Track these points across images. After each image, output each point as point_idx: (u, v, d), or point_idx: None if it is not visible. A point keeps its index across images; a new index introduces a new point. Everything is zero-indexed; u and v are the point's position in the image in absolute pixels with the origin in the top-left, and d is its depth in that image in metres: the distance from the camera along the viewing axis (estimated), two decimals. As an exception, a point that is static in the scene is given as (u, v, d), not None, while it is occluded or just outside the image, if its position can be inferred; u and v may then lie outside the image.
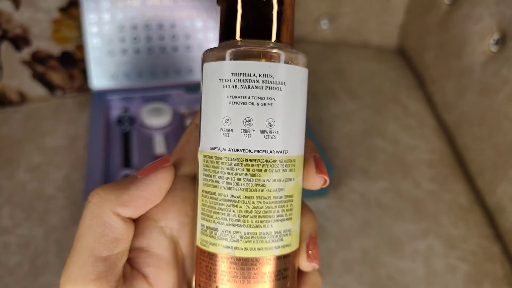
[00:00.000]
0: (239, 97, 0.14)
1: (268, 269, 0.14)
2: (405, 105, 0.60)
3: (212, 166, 0.15)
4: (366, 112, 0.58)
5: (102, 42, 0.50)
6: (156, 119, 0.49)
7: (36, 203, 0.43)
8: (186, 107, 0.53)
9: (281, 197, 0.15)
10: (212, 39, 0.53)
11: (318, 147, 0.46)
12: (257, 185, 0.14)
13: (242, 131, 0.14)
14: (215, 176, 0.15)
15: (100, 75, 0.50)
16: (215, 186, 0.15)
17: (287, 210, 0.15)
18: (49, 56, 0.53)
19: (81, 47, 0.53)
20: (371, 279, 0.39)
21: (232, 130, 0.14)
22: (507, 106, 0.42)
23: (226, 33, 0.14)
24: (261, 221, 0.14)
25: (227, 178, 0.14)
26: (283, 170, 0.15)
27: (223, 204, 0.14)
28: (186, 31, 0.52)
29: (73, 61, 0.54)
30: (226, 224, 0.14)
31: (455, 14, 0.54)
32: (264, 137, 0.14)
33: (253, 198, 0.14)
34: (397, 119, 0.57)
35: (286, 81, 0.14)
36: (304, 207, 0.17)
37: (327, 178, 0.16)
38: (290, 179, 0.15)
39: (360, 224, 0.43)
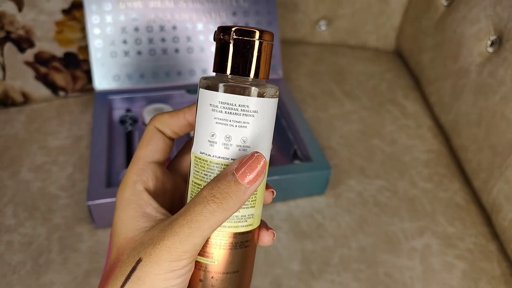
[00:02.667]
0: (222, 119, 0.19)
1: (234, 240, 0.20)
2: (402, 105, 0.61)
3: (200, 165, 0.20)
4: (364, 113, 0.59)
5: (104, 44, 0.50)
6: (157, 119, 0.50)
7: (39, 202, 0.43)
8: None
9: None
10: (212, 40, 0.53)
11: (317, 146, 0.46)
12: None
13: (223, 144, 0.19)
14: (201, 172, 0.20)
15: (103, 76, 0.51)
16: (201, 180, 0.20)
17: (252, 201, 0.21)
18: (52, 57, 0.53)
19: (83, 48, 0.54)
20: (368, 276, 0.39)
21: (216, 143, 0.19)
22: (504, 107, 0.43)
23: (219, 67, 0.20)
24: None
25: (210, 176, 0.20)
26: None
27: None
28: (187, 33, 0.53)
29: (76, 62, 0.55)
30: None
31: (451, 16, 0.55)
32: (239, 150, 0.19)
33: None
34: (395, 120, 0.58)
35: (258, 110, 0.19)
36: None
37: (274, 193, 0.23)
38: None
39: (357, 223, 0.44)
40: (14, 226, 0.41)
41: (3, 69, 0.52)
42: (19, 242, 0.40)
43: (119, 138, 0.49)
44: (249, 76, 0.19)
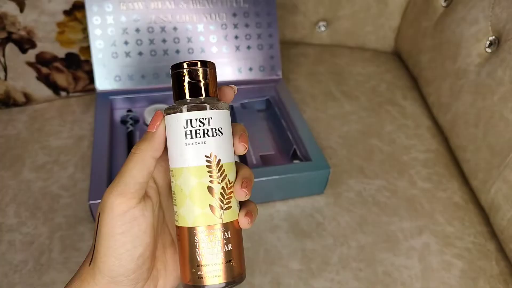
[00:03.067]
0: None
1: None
2: (401, 106, 0.61)
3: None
4: (363, 113, 0.59)
5: (105, 45, 0.51)
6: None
7: (40, 202, 0.44)
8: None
9: None
10: (212, 41, 0.54)
11: (316, 146, 0.47)
12: None
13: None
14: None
15: (104, 76, 0.51)
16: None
17: (173, 199, 0.24)
18: (54, 58, 0.54)
19: (85, 49, 0.54)
20: (367, 275, 0.39)
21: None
22: (502, 107, 0.43)
23: (178, 95, 0.24)
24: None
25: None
26: None
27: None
28: (187, 34, 0.53)
29: (77, 63, 0.55)
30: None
31: (450, 17, 0.55)
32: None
33: None
34: (393, 120, 0.58)
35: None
36: (242, 166, 0.25)
37: (246, 145, 0.25)
38: None
39: (357, 222, 0.44)
40: (16, 226, 0.41)
41: (5, 69, 0.52)
42: (20, 242, 0.40)
43: (120, 138, 0.49)
44: (201, 96, 0.24)
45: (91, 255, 0.23)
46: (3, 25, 0.50)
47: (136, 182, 0.22)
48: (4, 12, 0.49)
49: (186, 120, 0.22)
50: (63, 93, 0.57)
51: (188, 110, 0.23)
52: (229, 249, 0.23)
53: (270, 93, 0.56)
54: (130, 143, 0.48)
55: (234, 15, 0.54)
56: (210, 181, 0.23)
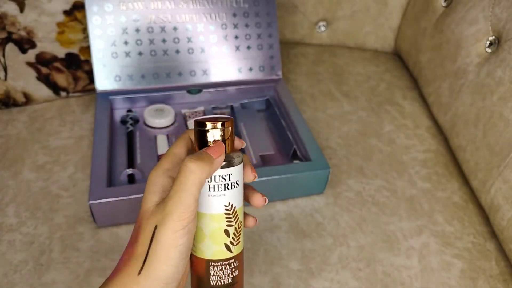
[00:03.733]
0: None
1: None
2: (400, 106, 0.61)
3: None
4: (363, 113, 0.59)
5: (105, 45, 0.51)
6: (158, 119, 0.51)
7: (40, 202, 0.44)
8: (188, 108, 0.54)
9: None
10: (212, 41, 0.54)
11: (316, 146, 0.47)
12: None
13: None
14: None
15: (104, 76, 0.51)
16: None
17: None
18: (54, 58, 0.54)
19: (85, 49, 0.55)
20: (367, 275, 0.39)
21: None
22: (502, 107, 0.43)
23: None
24: None
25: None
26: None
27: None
28: (187, 34, 0.53)
29: (77, 63, 0.55)
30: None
31: (450, 17, 0.55)
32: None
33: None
34: (393, 120, 0.58)
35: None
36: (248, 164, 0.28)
37: (255, 175, 0.28)
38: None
39: (356, 222, 0.44)
40: (16, 226, 0.41)
41: (5, 69, 0.52)
42: (20, 242, 0.40)
43: (120, 138, 0.49)
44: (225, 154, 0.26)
45: (139, 265, 0.24)
46: (3, 25, 0.50)
47: (195, 199, 0.24)
48: (4, 12, 0.49)
49: (210, 177, 0.25)
50: (63, 93, 0.57)
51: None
52: (235, 274, 0.27)
53: (270, 93, 0.56)
54: (130, 143, 0.48)
55: (234, 15, 0.54)
56: (227, 225, 0.26)
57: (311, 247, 0.41)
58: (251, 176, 0.28)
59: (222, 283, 0.27)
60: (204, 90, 0.54)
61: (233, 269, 0.27)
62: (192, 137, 0.28)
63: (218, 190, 0.26)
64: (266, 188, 0.44)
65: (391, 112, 0.59)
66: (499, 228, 0.42)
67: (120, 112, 0.52)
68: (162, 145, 0.49)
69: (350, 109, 0.59)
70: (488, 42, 0.48)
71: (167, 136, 0.50)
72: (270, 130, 0.53)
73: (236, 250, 0.27)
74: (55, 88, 0.56)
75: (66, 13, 0.52)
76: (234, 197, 0.26)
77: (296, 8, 0.69)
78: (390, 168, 0.51)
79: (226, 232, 0.26)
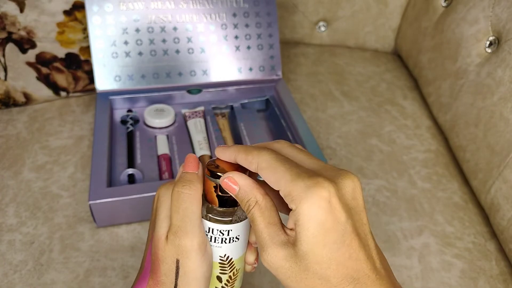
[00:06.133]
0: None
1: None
2: (401, 106, 0.61)
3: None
4: (363, 113, 0.59)
5: (105, 45, 0.51)
6: (158, 119, 0.50)
7: (40, 202, 0.44)
8: (187, 108, 0.54)
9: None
10: (212, 41, 0.54)
11: (316, 146, 0.47)
12: None
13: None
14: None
15: (104, 76, 0.51)
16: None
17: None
18: (54, 57, 0.54)
19: (85, 49, 0.54)
20: (368, 275, 0.39)
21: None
22: (502, 107, 0.43)
23: (209, 199, 0.25)
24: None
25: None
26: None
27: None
28: (187, 34, 0.53)
29: (77, 63, 0.55)
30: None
31: (450, 17, 0.55)
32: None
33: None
34: (393, 120, 0.58)
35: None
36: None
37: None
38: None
39: (357, 222, 0.44)
40: (16, 226, 0.41)
41: (5, 69, 0.52)
42: (20, 241, 0.40)
43: (120, 138, 0.49)
44: (229, 208, 0.25)
45: None
46: (3, 25, 0.50)
47: (199, 218, 0.24)
48: (4, 12, 0.49)
49: (209, 228, 0.25)
50: (63, 93, 0.57)
51: (210, 221, 0.25)
52: None
53: (270, 93, 0.56)
54: (130, 143, 0.48)
55: (234, 15, 0.54)
56: (220, 272, 0.26)
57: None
58: (251, 259, 0.27)
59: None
60: (204, 90, 0.54)
61: None
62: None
63: (215, 241, 0.25)
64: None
65: (391, 112, 0.59)
66: (499, 228, 0.42)
67: (120, 112, 0.52)
68: (162, 145, 0.49)
69: (350, 109, 0.59)
70: (488, 42, 0.48)
71: (167, 136, 0.50)
72: (270, 130, 0.53)
73: None
74: (55, 88, 0.56)
75: (66, 13, 0.52)
76: (232, 249, 0.26)
77: (296, 8, 0.69)
78: (390, 168, 0.51)
79: (219, 278, 0.26)
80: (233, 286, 0.27)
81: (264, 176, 0.22)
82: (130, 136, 0.49)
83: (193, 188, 0.24)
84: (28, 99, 0.55)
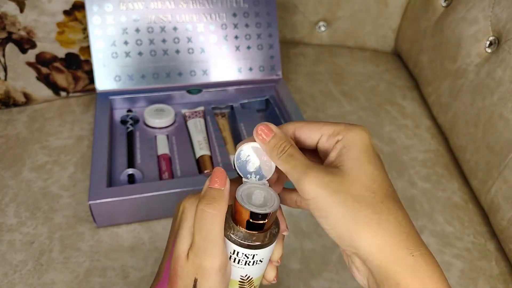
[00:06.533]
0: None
1: None
2: (400, 106, 0.61)
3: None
4: (363, 113, 0.59)
5: (105, 45, 0.51)
6: (158, 119, 0.51)
7: (40, 202, 0.44)
8: (187, 108, 0.54)
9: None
10: (212, 41, 0.54)
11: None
12: None
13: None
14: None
15: (104, 76, 0.51)
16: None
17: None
18: (54, 57, 0.54)
19: (85, 49, 0.55)
20: (367, 275, 0.39)
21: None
22: (502, 107, 0.43)
23: (237, 221, 0.25)
24: None
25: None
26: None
27: None
28: (187, 34, 0.53)
29: (77, 63, 0.55)
30: None
31: (450, 17, 0.55)
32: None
33: None
34: (393, 120, 0.58)
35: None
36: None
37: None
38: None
39: (357, 222, 0.44)
40: (16, 226, 0.41)
41: (5, 69, 0.52)
42: (20, 242, 0.40)
43: (120, 138, 0.49)
44: (256, 232, 0.25)
45: None
46: (3, 25, 0.50)
47: (221, 239, 0.23)
48: (4, 12, 0.49)
49: (234, 250, 0.24)
50: (63, 93, 0.57)
51: (235, 243, 0.24)
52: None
53: (270, 93, 0.56)
54: (130, 143, 0.48)
55: (234, 15, 0.54)
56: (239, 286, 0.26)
57: (311, 247, 0.41)
58: (271, 277, 0.27)
59: None
60: (204, 90, 0.54)
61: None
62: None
63: (238, 263, 0.25)
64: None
65: (391, 112, 0.59)
66: (499, 228, 0.42)
67: (120, 112, 0.52)
68: (162, 145, 0.49)
69: (350, 109, 0.59)
70: (488, 42, 0.48)
71: (167, 136, 0.50)
72: (270, 130, 0.53)
73: None
74: (55, 88, 0.56)
75: (66, 13, 0.52)
76: (254, 271, 0.26)
77: (296, 8, 0.69)
78: (390, 168, 0.51)
79: None
80: None
81: (307, 127, 0.25)
82: (130, 136, 0.49)
83: (217, 207, 0.23)
84: (28, 99, 0.55)
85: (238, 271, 0.25)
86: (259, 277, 0.26)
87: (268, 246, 0.25)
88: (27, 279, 0.37)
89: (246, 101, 0.56)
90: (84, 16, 0.51)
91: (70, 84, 0.56)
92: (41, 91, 0.55)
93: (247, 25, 0.55)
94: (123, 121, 0.51)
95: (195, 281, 0.23)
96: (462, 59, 0.51)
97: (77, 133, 0.52)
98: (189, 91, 0.54)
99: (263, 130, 0.24)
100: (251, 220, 0.24)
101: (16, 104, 0.55)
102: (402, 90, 0.64)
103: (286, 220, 0.27)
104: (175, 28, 0.53)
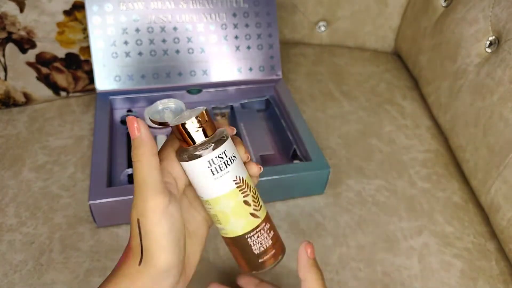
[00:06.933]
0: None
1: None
2: (400, 106, 0.61)
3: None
4: (362, 113, 0.59)
5: (105, 45, 0.51)
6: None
7: (40, 202, 0.44)
8: (187, 108, 0.54)
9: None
10: (212, 41, 0.54)
11: (316, 146, 0.47)
12: None
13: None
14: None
15: (104, 76, 0.51)
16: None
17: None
18: (54, 57, 0.54)
19: (85, 49, 0.55)
20: (367, 275, 0.39)
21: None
22: (502, 107, 0.43)
23: (188, 143, 0.27)
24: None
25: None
26: None
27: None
28: (187, 34, 0.53)
29: (77, 63, 0.55)
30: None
31: (450, 17, 0.55)
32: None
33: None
34: (393, 120, 0.58)
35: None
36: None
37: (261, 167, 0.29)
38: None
39: (356, 222, 0.44)
40: (16, 226, 0.41)
41: (5, 69, 0.52)
42: (20, 242, 0.40)
43: (120, 138, 0.49)
44: (208, 136, 0.26)
45: (138, 256, 0.25)
46: (3, 25, 0.50)
47: (157, 181, 0.24)
48: (4, 12, 0.49)
49: (209, 161, 0.26)
50: (63, 93, 0.57)
51: (204, 155, 0.26)
52: (272, 234, 0.28)
53: (270, 93, 0.56)
54: (130, 143, 0.48)
55: (234, 15, 0.54)
56: (244, 196, 0.27)
57: (311, 247, 0.41)
58: (256, 169, 0.28)
59: (265, 247, 0.28)
60: (204, 90, 0.54)
61: (268, 231, 0.28)
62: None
63: (221, 170, 0.26)
64: (266, 188, 0.44)
65: (391, 112, 0.59)
66: (499, 228, 0.42)
67: (120, 112, 0.52)
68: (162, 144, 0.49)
69: (350, 109, 0.59)
70: (488, 42, 0.48)
71: (167, 136, 0.50)
72: (270, 130, 0.53)
73: (261, 214, 0.28)
74: (55, 88, 0.56)
75: (66, 13, 0.52)
76: (237, 169, 0.27)
77: (296, 8, 0.69)
78: (390, 168, 0.51)
79: (246, 203, 0.27)
80: (261, 205, 0.28)
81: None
82: (130, 136, 0.49)
83: (138, 153, 0.24)
84: (28, 99, 0.55)
85: (228, 178, 0.26)
86: (247, 176, 0.28)
87: (226, 139, 0.26)
88: (27, 279, 0.37)
89: (246, 101, 0.56)
90: (84, 16, 0.51)
91: (70, 84, 0.56)
92: (41, 91, 0.55)
93: (247, 25, 0.55)
94: (123, 121, 0.51)
95: (138, 221, 0.24)
96: (462, 59, 0.51)
97: (77, 133, 0.52)
98: (189, 91, 0.54)
99: (310, 246, 0.29)
100: (190, 132, 0.26)
101: (16, 104, 0.55)
102: (402, 90, 0.64)
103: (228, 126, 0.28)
104: (175, 28, 0.53)
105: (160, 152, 0.27)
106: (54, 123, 0.53)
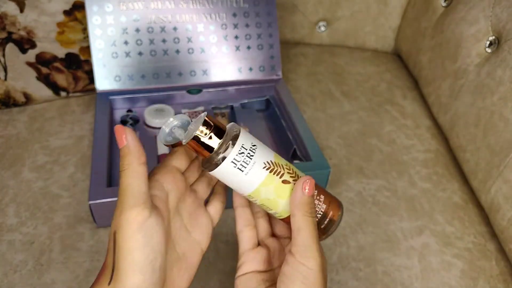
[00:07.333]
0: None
1: None
2: (401, 106, 0.61)
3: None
4: (363, 113, 0.59)
5: (105, 45, 0.51)
6: (158, 119, 0.51)
7: (40, 202, 0.44)
8: (187, 108, 0.54)
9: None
10: (212, 41, 0.54)
11: (316, 146, 0.47)
12: None
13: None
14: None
15: (104, 76, 0.51)
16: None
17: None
18: (54, 57, 0.54)
19: (85, 49, 0.55)
20: (367, 275, 0.39)
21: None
22: (502, 107, 0.43)
23: (209, 151, 0.27)
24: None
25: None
26: None
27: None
28: (187, 34, 0.53)
29: (77, 63, 0.55)
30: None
31: (450, 17, 0.55)
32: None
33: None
34: (393, 120, 0.58)
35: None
36: None
37: None
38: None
39: (356, 222, 0.44)
40: (16, 226, 0.41)
41: (5, 69, 0.52)
42: (20, 242, 0.40)
43: (120, 138, 0.49)
44: (224, 137, 0.26)
45: (109, 274, 0.23)
46: (3, 25, 0.50)
47: (140, 192, 0.23)
48: (4, 12, 0.49)
49: (232, 161, 0.26)
50: (63, 93, 0.57)
51: (227, 155, 0.26)
52: (323, 198, 0.29)
53: (270, 93, 0.56)
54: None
55: (234, 15, 0.54)
56: (280, 177, 0.27)
57: (311, 247, 0.41)
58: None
59: (322, 212, 0.28)
60: (204, 90, 0.54)
61: (317, 197, 0.28)
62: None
63: (247, 164, 0.26)
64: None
65: (391, 112, 0.59)
66: (499, 228, 0.42)
67: (120, 112, 0.52)
68: (162, 145, 0.49)
69: (350, 109, 0.59)
70: (488, 42, 0.48)
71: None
72: (270, 130, 0.53)
73: None
74: (55, 88, 0.56)
75: (66, 13, 0.52)
76: (262, 155, 0.27)
77: (296, 8, 0.69)
78: (390, 168, 0.51)
79: (285, 182, 0.27)
80: (298, 175, 0.28)
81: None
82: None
83: (125, 164, 0.24)
84: (28, 99, 0.55)
85: (257, 168, 0.26)
86: (275, 155, 0.27)
87: (238, 132, 0.26)
88: (27, 279, 0.37)
89: (246, 101, 0.56)
90: (84, 16, 0.51)
91: (70, 84, 0.56)
92: (41, 91, 0.55)
93: (247, 25, 0.55)
94: (123, 121, 0.51)
95: (114, 234, 0.23)
96: (462, 59, 0.51)
97: (77, 133, 0.52)
98: (189, 91, 0.54)
99: (308, 183, 0.26)
100: (203, 141, 0.25)
101: (16, 104, 0.55)
102: (402, 90, 0.64)
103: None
104: (175, 28, 0.53)
105: (160, 164, 0.27)
106: (54, 123, 0.53)
